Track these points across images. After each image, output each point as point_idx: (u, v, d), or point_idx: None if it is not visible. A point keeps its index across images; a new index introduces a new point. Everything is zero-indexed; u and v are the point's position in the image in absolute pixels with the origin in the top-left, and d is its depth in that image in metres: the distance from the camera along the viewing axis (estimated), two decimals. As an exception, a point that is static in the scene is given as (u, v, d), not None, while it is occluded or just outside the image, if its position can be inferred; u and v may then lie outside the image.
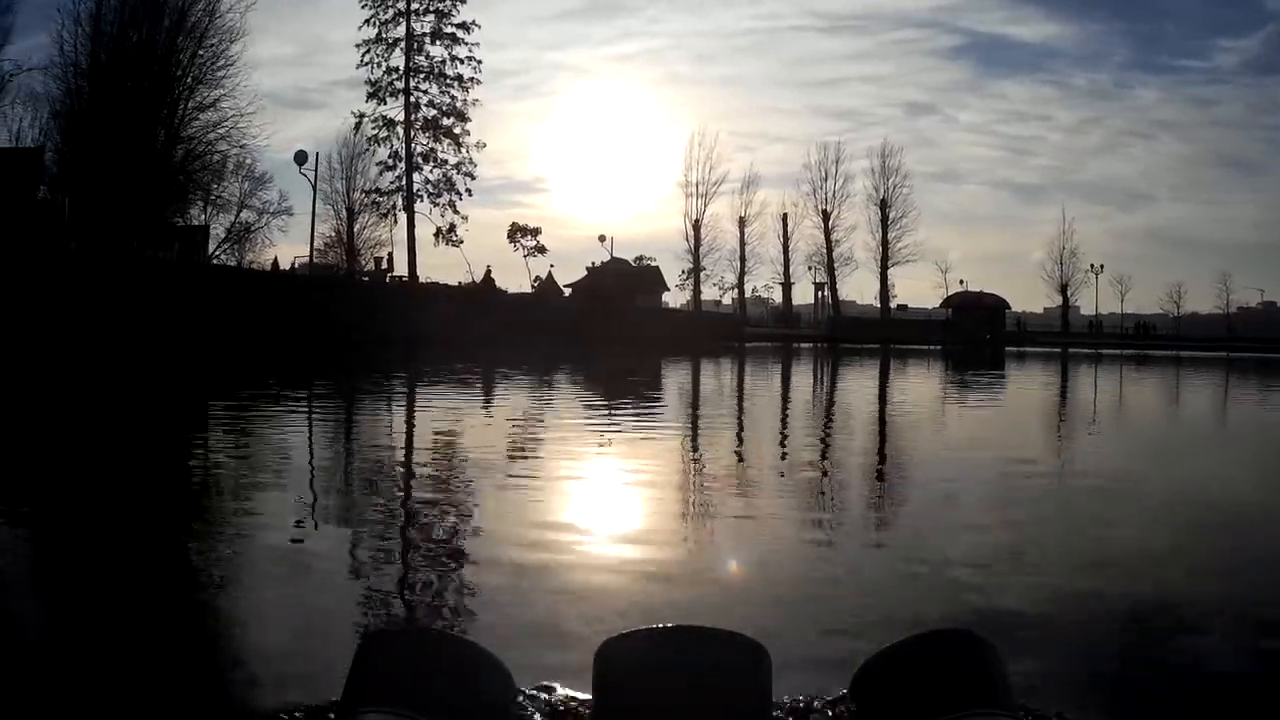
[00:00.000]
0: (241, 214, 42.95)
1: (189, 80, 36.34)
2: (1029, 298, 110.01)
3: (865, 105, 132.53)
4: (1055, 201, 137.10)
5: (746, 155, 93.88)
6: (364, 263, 51.35)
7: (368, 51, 51.80)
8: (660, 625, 1.51)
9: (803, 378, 25.05)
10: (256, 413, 11.53)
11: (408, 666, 1.43)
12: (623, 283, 56.93)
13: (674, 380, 21.42)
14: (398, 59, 52.18)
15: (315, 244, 51.36)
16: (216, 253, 41.48)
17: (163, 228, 36.16)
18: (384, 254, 51.90)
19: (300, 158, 42.40)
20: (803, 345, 51.01)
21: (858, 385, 21.73)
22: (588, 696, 1.62)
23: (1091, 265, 70.79)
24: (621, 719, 1.42)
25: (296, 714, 1.86)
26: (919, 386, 20.99)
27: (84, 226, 32.80)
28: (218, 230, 42.15)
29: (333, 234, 52.36)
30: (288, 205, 46.03)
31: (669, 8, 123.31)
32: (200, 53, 36.28)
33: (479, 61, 52.71)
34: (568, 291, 56.89)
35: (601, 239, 60.98)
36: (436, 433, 10.12)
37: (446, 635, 1.48)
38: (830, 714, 1.69)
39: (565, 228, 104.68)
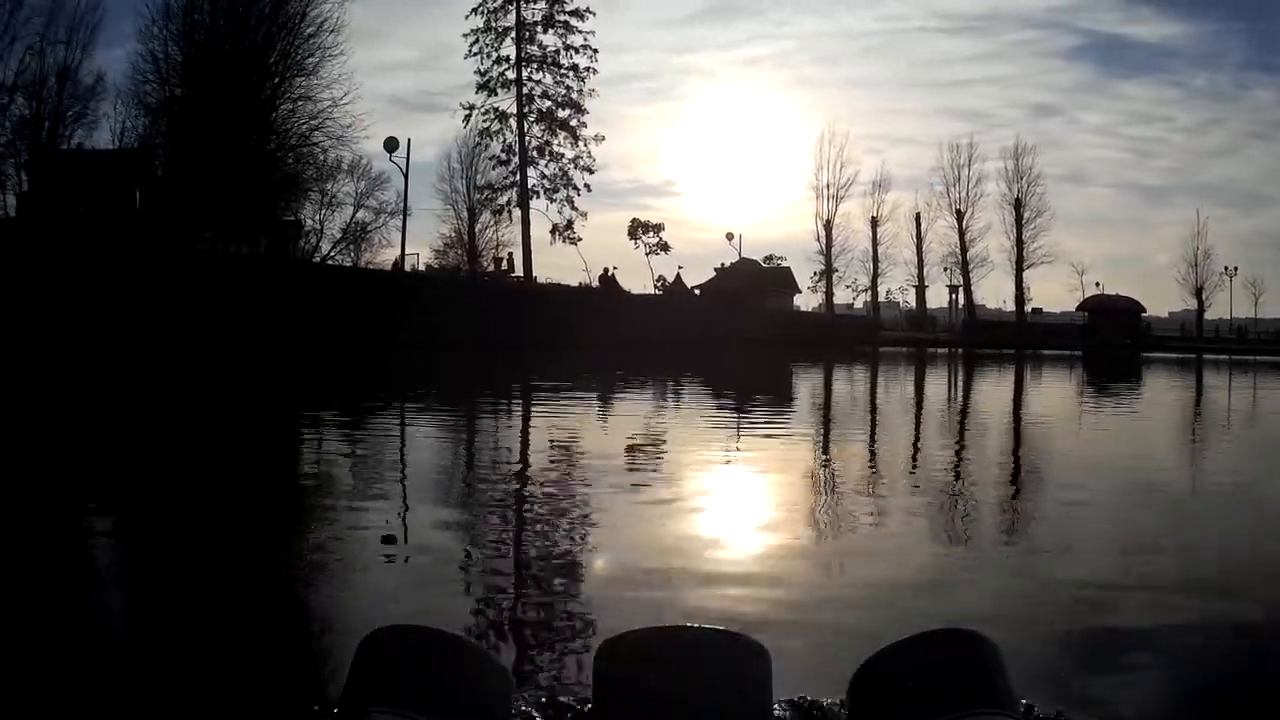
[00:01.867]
0: (358, 214, 41.53)
1: (281, 71, 36.06)
2: (1156, 301, 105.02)
3: (990, 107, 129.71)
4: (1177, 204, 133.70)
5: (874, 158, 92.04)
6: (485, 263, 50.19)
7: (476, 41, 50.10)
8: (660, 625, 1.51)
9: (967, 389, 23.20)
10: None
11: (408, 665, 1.41)
12: (753, 283, 56.12)
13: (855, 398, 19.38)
14: (508, 48, 50.25)
15: (436, 244, 51.29)
16: (332, 252, 40.55)
17: (249, 223, 34.53)
18: (505, 254, 50.60)
19: (390, 144, 39.45)
20: (939, 350, 49.42)
21: (1036, 402, 19.22)
22: (588, 697, 1.59)
23: (1226, 268, 66.68)
24: (621, 719, 1.41)
25: (314, 708, 1.88)
26: (1111, 409, 17.63)
27: (158, 221, 31.97)
28: (333, 230, 41.26)
29: (453, 234, 51.58)
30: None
31: (794, 10, 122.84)
32: (295, 42, 36.11)
33: (595, 50, 50.47)
34: (696, 293, 56.68)
35: (729, 237, 60.39)
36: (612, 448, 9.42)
37: (446, 634, 1.46)
38: (830, 714, 1.68)
39: (695, 230, 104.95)
